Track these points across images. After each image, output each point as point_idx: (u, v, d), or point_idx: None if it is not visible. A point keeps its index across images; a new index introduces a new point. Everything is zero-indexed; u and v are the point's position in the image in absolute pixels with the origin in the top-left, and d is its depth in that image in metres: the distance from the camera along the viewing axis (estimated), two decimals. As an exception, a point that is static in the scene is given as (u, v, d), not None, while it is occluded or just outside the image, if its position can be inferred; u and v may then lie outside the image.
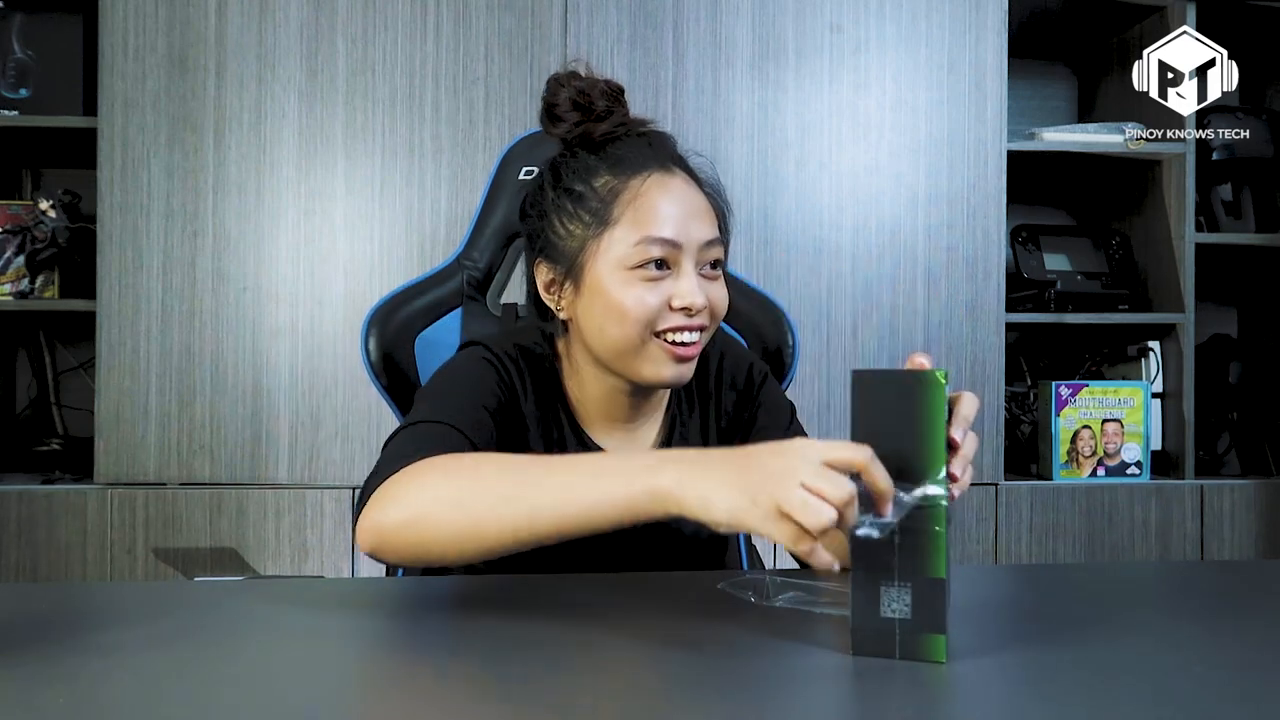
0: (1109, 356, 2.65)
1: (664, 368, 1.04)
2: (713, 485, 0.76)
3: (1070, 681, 0.70)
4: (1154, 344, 2.53)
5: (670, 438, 1.16)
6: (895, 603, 0.73)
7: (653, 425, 1.16)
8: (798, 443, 0.76)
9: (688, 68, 2.26)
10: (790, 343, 1.46)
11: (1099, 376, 2.63)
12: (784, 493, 0.71)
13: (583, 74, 1.10)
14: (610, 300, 1.03)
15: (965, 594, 1.05)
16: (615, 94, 1.11)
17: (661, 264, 1.03)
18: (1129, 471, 2.41)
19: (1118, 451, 2.41)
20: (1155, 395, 2.50)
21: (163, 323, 2.18)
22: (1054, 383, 2.42)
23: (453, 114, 2.21)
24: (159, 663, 0.73)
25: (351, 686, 0.72)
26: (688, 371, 1.06)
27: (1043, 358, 2.73)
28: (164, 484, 2.17)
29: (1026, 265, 2.53)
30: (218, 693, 0.67)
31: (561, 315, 1.10)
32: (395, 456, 0.92)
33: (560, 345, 1.14)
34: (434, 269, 1.52)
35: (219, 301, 2.19)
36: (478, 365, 1.07)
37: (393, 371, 1.39)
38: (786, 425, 1.19)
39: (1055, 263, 2.55)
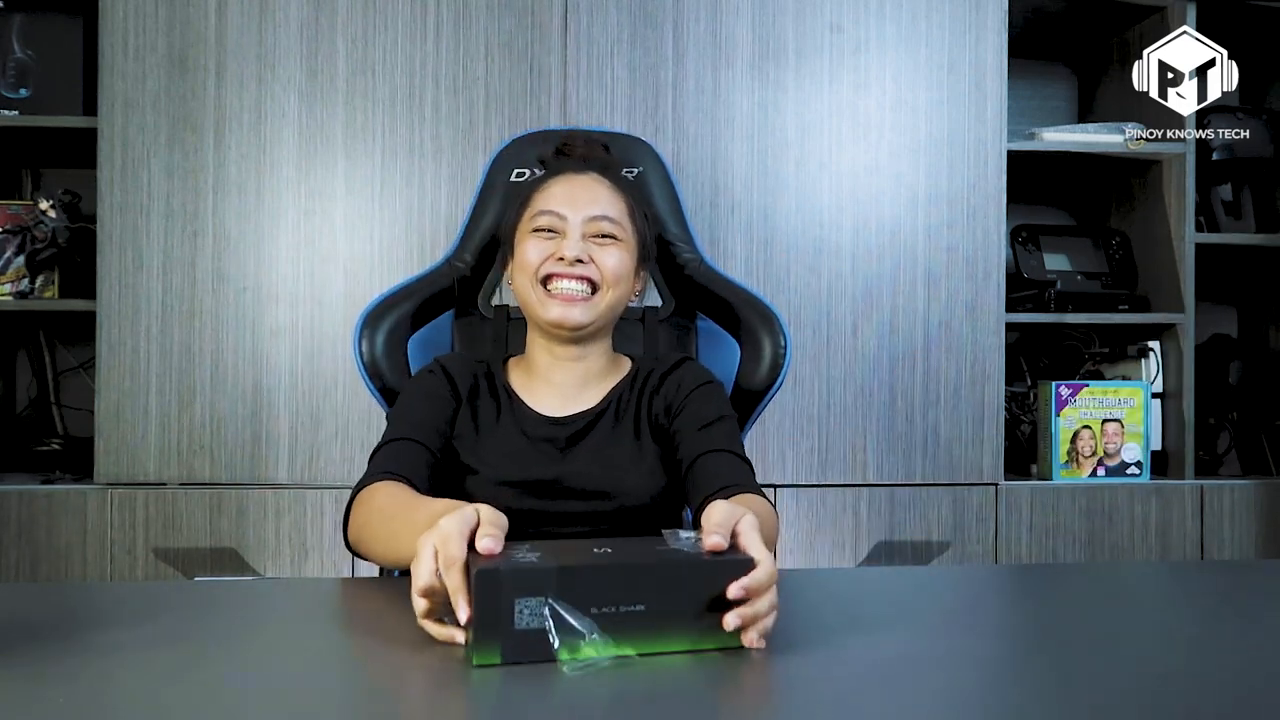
0: (1109, 356, 2.65)
1: (550, 309, 1.27)
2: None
3: (1070, 682, 0.70)
4: (1154, 344, 2.53)
5: (605, 410, 1.31)
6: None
7: (593, 397, 1.32)
8: (447, 522, 0.84)
9: (688, 68, 2.26)
10: (781, 341, 1.46)
11: (1099, 376, 2.63)
12: (418, 566, 0.83)
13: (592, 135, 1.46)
14: (516, 256, 1.32)
15: (965, 594, 1.05)
16: (604, 148, 1.43)
17: (552, 232, 1.29)
18: (1129, 471, 2.41)
19: (1118, 451, 2.41)
20: (1155, 395, 2.50)
21: (163, 323, 2.18)
22: (1054, 383, 2.42)
23: (453, 114, 2.21)
24: (159, 663, 0.73)
25: (351, 686, 0.72)
26: (571, 314, 1.27)
27: (1043, 358, 2.73)
28: (164, 484, 2.17)
29: (1026, 265, 2.53)
30: (218, 693, 0.67)
31: (511, 286, 1.35)
32: (371, 472, 1.17)
33: (528, 333, 1.36)
34: (425, 270, 1.53)
35: (219, 301, 2.19)
36: (425, 378, 1.31)
37: (385, 372, 1.40)
38: (708, 421, 1.26)
39: (1055, 263, 2.55)
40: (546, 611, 0.73)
